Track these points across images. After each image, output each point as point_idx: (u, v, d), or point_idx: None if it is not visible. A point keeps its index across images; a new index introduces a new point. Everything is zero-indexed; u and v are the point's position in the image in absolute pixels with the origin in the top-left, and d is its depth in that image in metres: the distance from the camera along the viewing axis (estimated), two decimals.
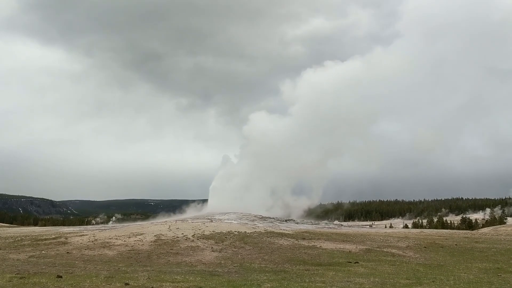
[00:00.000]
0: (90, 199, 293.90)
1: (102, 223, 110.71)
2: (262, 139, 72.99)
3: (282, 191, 70.76)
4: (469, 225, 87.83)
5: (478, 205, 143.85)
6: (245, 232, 30.25)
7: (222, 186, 69.91)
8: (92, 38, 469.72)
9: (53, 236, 29.03)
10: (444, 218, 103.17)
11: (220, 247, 24.31)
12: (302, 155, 72.91)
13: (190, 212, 68.53)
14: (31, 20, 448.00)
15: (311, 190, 75.23)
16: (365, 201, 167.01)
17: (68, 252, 22.50)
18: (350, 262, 20.21)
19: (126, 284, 12.85)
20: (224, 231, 29.84)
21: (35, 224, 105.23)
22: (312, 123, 77.20)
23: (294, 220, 49.39)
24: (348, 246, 26.10)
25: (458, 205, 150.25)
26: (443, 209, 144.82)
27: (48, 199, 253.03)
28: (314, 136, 77.39)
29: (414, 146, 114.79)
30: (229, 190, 67.91)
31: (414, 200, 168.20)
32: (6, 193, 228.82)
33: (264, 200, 65.60)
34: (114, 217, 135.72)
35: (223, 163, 76.42)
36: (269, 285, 13.51)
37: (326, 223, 53.53)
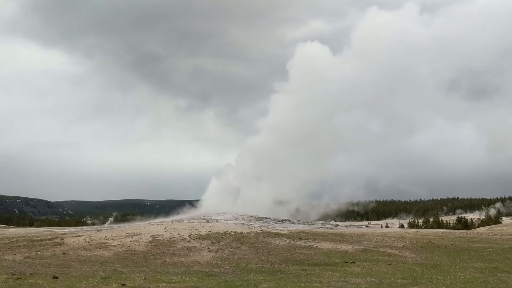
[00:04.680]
0: (86, 200, 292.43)
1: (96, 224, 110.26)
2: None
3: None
4: (465, 224, 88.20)
5: (474, 204, 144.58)
6: (242, 232, 30.23)
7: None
8: (92, 40, 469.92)
9: (49, 237, 28.89)
10: (440, 218, 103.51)
11: (217, 248, 24.29)
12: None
13: (187, 212, 68.02)
14: (32, 23, 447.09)
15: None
16: (361, 201, 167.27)
17: (64, 253, 22.41)
18: (347, 262, 20.24)
19: (123, 284, 12.81)
20: (220, 232, 29.81)
21: (31, 225, 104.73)
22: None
23: (290, 220, 49.39)
24: (345, 246, 26.14)
25: (454, 205, 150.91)
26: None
27: (43, 200, 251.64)
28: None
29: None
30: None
31: (410, 200, 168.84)
32: (2, 194, 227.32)
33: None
34: (112, 216, 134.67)
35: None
36: (265, 285, 13.50)
37: (323, 223, 53.54)
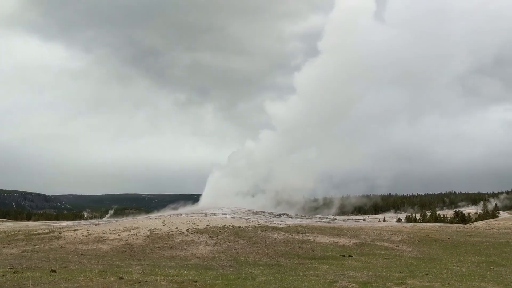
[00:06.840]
0: (84, 194, 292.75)
1: (94, 218, 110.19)
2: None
3: None
4: (462, 219, 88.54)
5: (471, 199, 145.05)
6: (239, 226, 30.30)
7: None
8: (91, 34, 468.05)
9: (47, 231, 28.90)
10: (437, 212, 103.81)
11: (215, 241, 24.33)
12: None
13: (185, 207, 67.85)
14: (31, 17, 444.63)
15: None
16: (358, 195, 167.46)
17: (61, 247, 22.43)
18: (344, 256, 20.31)
19: (120, 278, 12.82)
20: (218, 225, 29.86)
21: (28, 219, 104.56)
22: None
23: (288, 214, 49.53)
24: (342, 240, 26.21)
25: (451, 199, 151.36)
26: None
27: (41, 194, 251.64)
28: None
29: None
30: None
31: (407, 194, 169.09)
32: None
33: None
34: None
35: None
36: (263, 278, 13.53)
37: (320, 217, 53.67)
